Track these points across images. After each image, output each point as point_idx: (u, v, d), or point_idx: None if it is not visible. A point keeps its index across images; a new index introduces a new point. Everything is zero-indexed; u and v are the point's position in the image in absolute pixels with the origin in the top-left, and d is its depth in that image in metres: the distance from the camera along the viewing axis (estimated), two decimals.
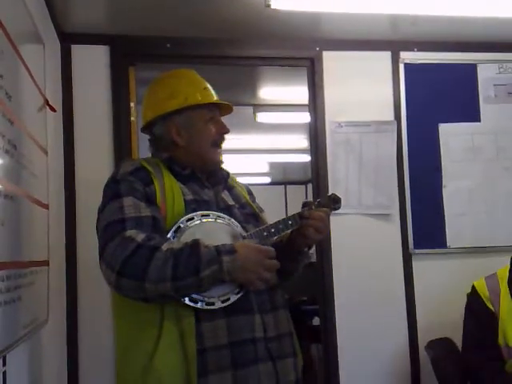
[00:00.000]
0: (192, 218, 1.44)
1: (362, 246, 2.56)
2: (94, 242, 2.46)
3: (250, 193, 1.74)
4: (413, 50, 2.68)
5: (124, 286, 1.34)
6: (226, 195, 1.61)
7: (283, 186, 7.26)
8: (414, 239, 2.60)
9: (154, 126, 1.59)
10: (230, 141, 1.69)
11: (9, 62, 1.41)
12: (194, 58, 2.55)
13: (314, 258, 2.73)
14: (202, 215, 1.45)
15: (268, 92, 3.47)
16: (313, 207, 1.55)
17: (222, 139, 1.61)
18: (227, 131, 1.61)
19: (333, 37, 2.59)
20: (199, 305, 1.38)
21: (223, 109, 1.65)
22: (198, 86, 1.60)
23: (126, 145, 2.45)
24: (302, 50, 2.62)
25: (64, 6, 2.17)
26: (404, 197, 2.62)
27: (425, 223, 2.62)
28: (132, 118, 2.49)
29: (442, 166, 2.66)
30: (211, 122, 1.59)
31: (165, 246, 1.34)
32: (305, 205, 1.57)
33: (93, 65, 2.44)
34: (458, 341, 2.18)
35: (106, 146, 2.42)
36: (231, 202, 1.59)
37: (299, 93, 2.93)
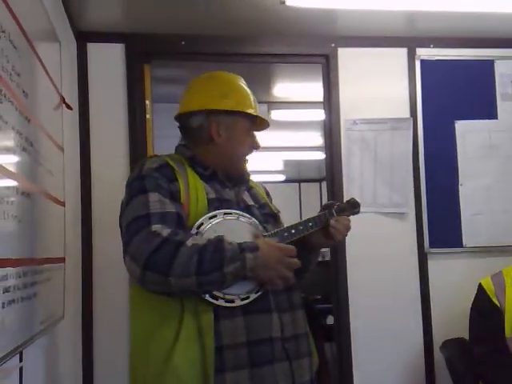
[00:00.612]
0: (215, 216, 1.46)
1: (377, 245, 2.54)
2: (109, 238, 2.48)
3: (268, 194, 1.76)
4: (429, 47, 2.65)
5: (148, 280, 1.36)
6: (245, 195, 1.63)
7: (297, 183, 7.25)
8: (429, 238, 2.58)
9: (193, 117, 1.60)
10: None
11: (25, 60, 1.43)
12: (208, 55, 2.56)
13: (328, 257, 2.72)
14: (225, 213, 1.47)
15: (282, 89, 3.46)
16: (333, 211, 1.59)
17: (251, 153, 1.65)
18: (259, 148, 1.65)
19: (348, 33, 2.57)
20: (219, 302, 1.40)
21: (259, 125, 1.68)
22: (248, 96, 1.63)
23: (142, 142, 2.46)
24: (317, 47, 2.60)
25: (80, 5, 2.19)
26: (420, 195, 2.60)
27: (440, 222, 2.59)
28: (147, 116, 2.50)
29: (458, 163, 2.63)
30: (249, 133, 1.62)
31: (189, 242, 1.36)
32: (325, 207, 1.61)
33: (108, 63, 2.45)
34: None
35: (121, 143, 2.43)
36: (251, 202, 1.61)
37: (314, 90, 2.92)
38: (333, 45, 2.60)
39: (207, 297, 1.39)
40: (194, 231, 1.43)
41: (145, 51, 2.49)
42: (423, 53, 2.65)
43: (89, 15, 2.30)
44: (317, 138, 4.60)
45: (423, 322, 2.55)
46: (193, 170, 1.54)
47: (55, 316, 1.74)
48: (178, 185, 1.47)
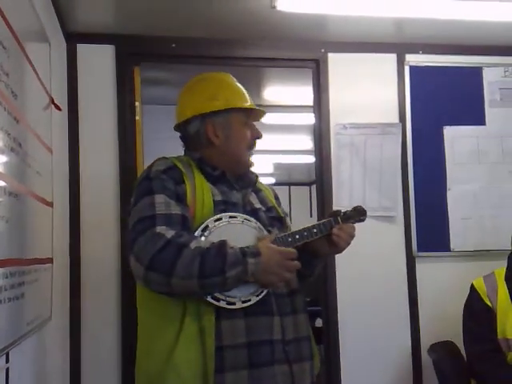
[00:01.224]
0: (220, 219, 1.47)
1: (366, 249, 2.54)
2: (97, 239, 2.48)
3: (277, 197, 1.77)
4: (418, 53, 2.68)
5: (152, 281, 1.38)
6: (253, 198, 1.64)
7: (287, 186, 7.26)
8: (417, 242, 2.60)
9: (190, 124, 1.62)
10: None
11: (15, 60, 1.42)
12: (198, 58, 2.56)
13: None
14: (230, 216, 1.49)
15: (273, 93, 3.47)
16: (339, 218, 1.59)
17: (255, 143, 1.66)
18: (260, 136, 1.65)
19: (338, 39, 2.59)
20: (221, 303, 1.41)
21: (255, 115, 1.69)
22: (237, 91, 1.64)
23: (131, 144, 2.45)
24: (307, 52, 2.62)
25: (70, 6, 2.18)
26: (408, 199, 2.62)
27: (429, 226, 2.61)
28: (137, 118, 2.49)
29: (446, 168, 2.65)
30: (246, 125, 1.63)
31: (193, 244, 1.38)
32: (331, 214, 1.61)
33: (98, 64, 2.45)
34: (461, 344, 2.17)
35: (110, 144, 2.43)
36: (258, 205, 1.62)
37: (304, 94, 2.93)
38: (323, 50, 2.62)
39: (209, 298, 1.41)
40: (198, 233, 1.44)
41: (135, 53, 2.49)
42: (412, 59, 2.68)
43: (79, 16, 2.29)
44: (307, 142, 4.61)
45: (411, 325, 2.57)
46: (201, 172, 1.56)
47: (43, 317, 1.73)
48: (184, 187, 1.48)
